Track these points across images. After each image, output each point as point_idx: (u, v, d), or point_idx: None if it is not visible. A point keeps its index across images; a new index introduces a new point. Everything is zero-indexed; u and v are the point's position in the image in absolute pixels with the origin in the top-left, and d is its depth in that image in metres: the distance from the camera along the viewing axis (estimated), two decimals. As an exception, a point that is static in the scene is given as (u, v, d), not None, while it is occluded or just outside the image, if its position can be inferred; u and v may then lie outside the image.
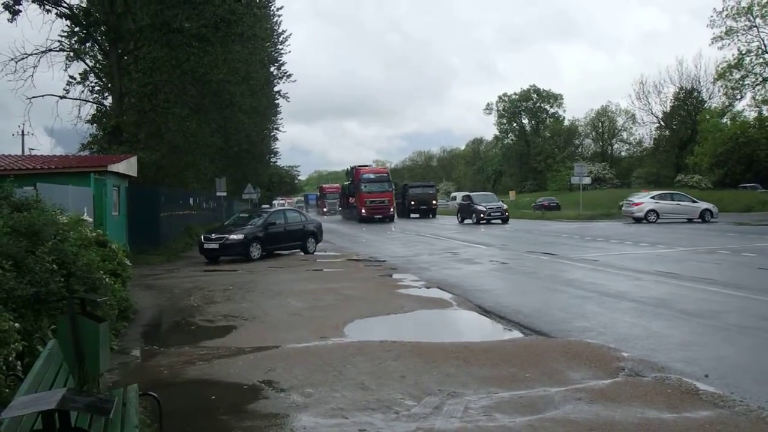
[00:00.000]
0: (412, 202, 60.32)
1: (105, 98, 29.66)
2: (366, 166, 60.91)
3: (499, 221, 44.14)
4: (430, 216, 59.02)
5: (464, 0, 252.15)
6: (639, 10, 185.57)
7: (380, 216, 52.26)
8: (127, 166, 22.85)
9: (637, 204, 40.01)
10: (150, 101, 28.26)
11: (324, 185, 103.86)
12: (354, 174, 57.50)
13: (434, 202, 61.43)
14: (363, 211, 52.57)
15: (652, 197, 40.71)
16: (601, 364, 7.74)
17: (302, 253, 25.10)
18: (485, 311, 12.01)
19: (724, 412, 6.11)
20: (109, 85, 27.89)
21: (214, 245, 22.96)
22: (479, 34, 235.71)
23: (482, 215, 43.98)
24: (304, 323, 11.21)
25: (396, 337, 9.51)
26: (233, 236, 23.10)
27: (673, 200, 40.06)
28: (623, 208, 42.50)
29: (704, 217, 37.91)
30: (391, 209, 53.23)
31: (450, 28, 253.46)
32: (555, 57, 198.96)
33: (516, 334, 10.11)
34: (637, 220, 38.93)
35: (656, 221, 38.24)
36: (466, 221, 45.98)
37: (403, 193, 62.79)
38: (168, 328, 11.90)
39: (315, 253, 25.38)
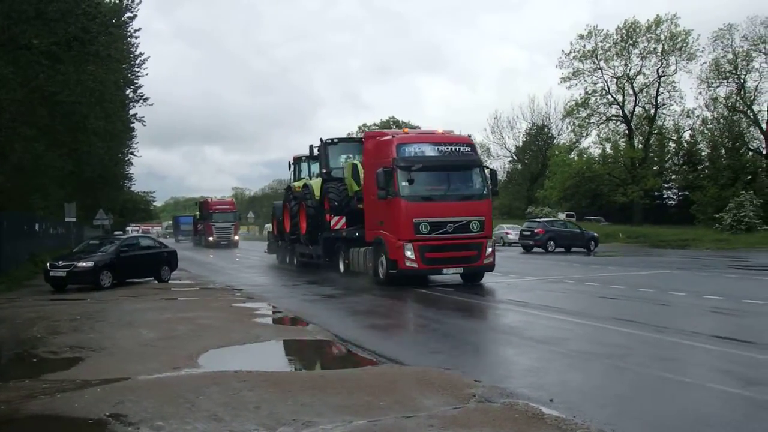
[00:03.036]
0: None
1: (-58, 116, 27.91)
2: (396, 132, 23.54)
3: None
4: None
5: (331, 29, 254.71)
6: (499, 48, 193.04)
7: (459, 269, 20.59)
8: (-33, 189, 21.55)
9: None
10: (-6, 120, 26.82)
11: (209, 199, 70.71)
12: (365, 148, 23.13)
13: None
14: (407, 255, 19.70)
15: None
16: (453, 391, 7.92)
17: (156, 282, 24.41)
18: (342, 340, 12.05)
19: (567, 435, 6.40)
20: (-52, 102, 26.27)
21: (61, 273, 21.92)
22: (345, 64, 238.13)
23: None
24: (156, 354, 10.87)
25: (252, 367, 9.39)
26: (82, 263, 22.14)
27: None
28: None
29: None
30: (489, 246, 20.62)
31: (317, 56, 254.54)
32: (419, 89, 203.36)
33: (372, 362, 10.20)
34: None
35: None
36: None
37: None
38: (7, 360, 11.24)
39: (170, 281, 24.75)
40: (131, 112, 43.38)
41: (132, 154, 56.87)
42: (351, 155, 26.09)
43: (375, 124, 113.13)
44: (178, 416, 7.10)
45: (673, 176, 74.09)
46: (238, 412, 7.20)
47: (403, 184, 19.79)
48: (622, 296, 17.40)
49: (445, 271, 20.35)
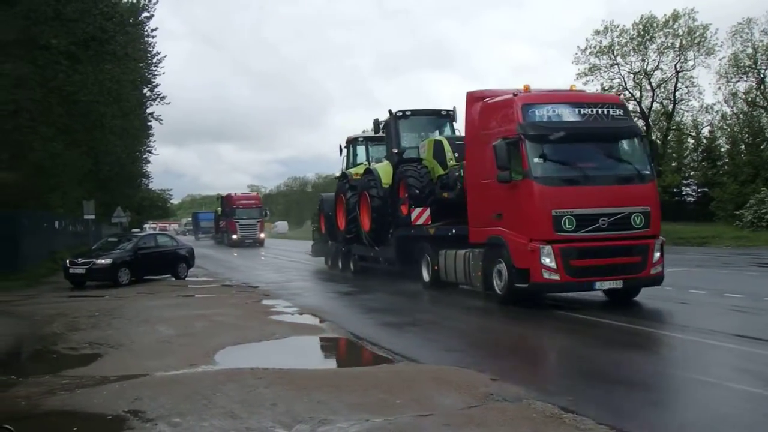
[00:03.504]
0: None
1: (-37, 116, 28.13)
2: None
3: None
4: None
5: (341, 26, 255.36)
6: (512, 44, 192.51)
7: (617, 282, 14.52)
8: (-14, 188, 21.76)
9: None
10: (13, 120, 27.03)
11: (232, 194, 63.25)
12: (468, 115, 17.04)
13: None
14: (545, 263, 13.87)
15: None
16: (470, 390, 7.88)
17: (174, 279, 24.58)
18: (357, 337, 12.06)
19: (586, 435, 6.34)
20: (-32, 101, 26.49)
21: (81, 270, 22.17)
22: (356, 61, 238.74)
23: None
24: (173, 351, 10.93)
25: (268, 364, 9.40)
26: (101, 261, 22.37)
27: None
28: None
29: None
30: (656, 249, 14.74)
31: (328, 53, 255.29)
32: (430, 86, 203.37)
33: (388, 360, 10.19)
34: None
35: None
36: None
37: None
38: (28, 356, 11.37)
39: (187, 278, 24.90)
40: (148, 110, 43.65)
41: (149, 152, 57.16)
42: (429, 131, 21.96)
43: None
44: (194, 413, 7.12)
45: (692, 172, 73.34)
46: (255, 409, 7.21)
47: (536, 160, 14.07)
48: (640, 294, 17.26)
49: (598, 285, 14.32)
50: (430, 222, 18.77)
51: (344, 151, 26.82)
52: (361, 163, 25.19)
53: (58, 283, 23.30)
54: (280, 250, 48.96)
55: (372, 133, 25.45)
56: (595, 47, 67.55)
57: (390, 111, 21.84)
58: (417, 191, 19.24)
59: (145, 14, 36.59)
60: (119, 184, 50.91)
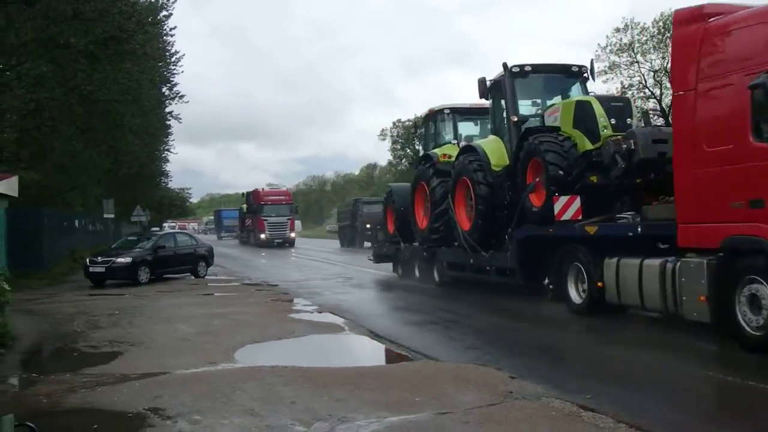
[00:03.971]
0: (368, 226, 39.49)
1: (-17, 115, 28.36)
2: None
3: None
4: None
5: (362, 25, 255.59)
6: (531, 42, 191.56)
7: None
8: (7, 186, 21.84)
9: None
10: (34, 119, 27.22)
11: (260, 190, 57.84)
12: (677, 45, 11.11)
13: None
14: None
15: None
16: (490, 388, 7.85)
17: (193, 277, 24.68)
18: (377, 336, 12.04)
19: (605, 434, 6.24)
20: (-12, 101, 26.70)
21: (101, 268, 22.30)
22: (376, 60, 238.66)
23: None
24: (193, 349, 10.96)
25: (287, 363, 9.40)
26: (121, 259, 22.50)
27: None
28: None
29: None
30: None
31: (348, 52, 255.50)
32: (451, 85, 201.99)
33: (407, 358, 10.17)
34: None
35: None
36: None
37: (353, 212, 47.30)
38: (49, 354, 11.43)
39: (206, 277, 25.00)
40: (167, 109, 43.81)
41: (168, 151, 57.26)
42: (549, 95, 16.72)
43: (409, 120, 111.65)
44: (214, 410, 7.14)
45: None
46: (274, 407, 7.22)
47: None
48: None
49: None
50: (580, 216, 13.20)
51: (423, 127, 21.74)
52: (448, 142, 19.93)
53: (79, 282, 23.45)
54: (302, 249, 48.97)
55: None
56: (615, 45, 67.18)
57: (504, 64, 16.41)
58: (561, 172, 13.67)
59: (164, 13, 36.71)
60: (138, 183, 51.11)
